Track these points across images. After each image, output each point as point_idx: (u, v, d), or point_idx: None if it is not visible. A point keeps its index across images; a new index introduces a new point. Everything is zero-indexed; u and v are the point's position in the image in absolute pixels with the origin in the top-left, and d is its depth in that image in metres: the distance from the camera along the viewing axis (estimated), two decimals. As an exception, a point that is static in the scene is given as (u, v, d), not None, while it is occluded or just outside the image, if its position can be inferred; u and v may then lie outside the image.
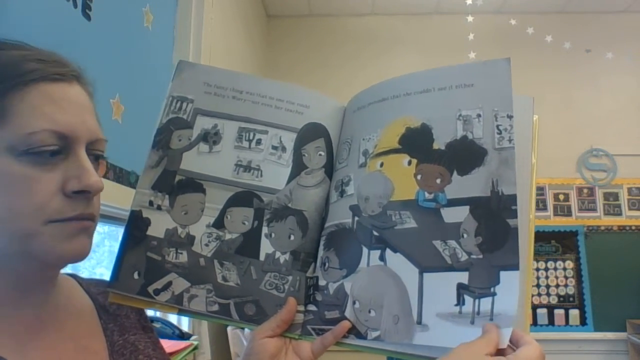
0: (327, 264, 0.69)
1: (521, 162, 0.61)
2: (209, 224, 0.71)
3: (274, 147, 0.74)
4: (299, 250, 0.71)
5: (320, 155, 0.74)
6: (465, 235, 0.61)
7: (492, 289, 0.58)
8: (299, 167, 0.73)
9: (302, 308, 0.69)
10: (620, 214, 3.70)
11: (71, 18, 1.31)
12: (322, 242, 0.71)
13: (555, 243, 3.68)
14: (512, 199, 0.59)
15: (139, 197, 0.72)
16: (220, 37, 2.61)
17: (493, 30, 3.82)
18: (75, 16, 1.33)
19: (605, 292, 3.57)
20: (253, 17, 3.55)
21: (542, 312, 3.59)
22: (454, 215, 0.62)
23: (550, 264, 3.66)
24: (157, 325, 1.73)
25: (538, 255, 3.65)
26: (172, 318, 1.88)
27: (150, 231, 0.70)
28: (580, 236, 3.67)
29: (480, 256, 0.60)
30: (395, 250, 0.64)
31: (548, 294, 3.62)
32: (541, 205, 3.70)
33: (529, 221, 0.62)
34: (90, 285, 0.69)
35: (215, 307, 0.69)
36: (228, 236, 0.71)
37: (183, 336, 1.79)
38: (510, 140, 0.62)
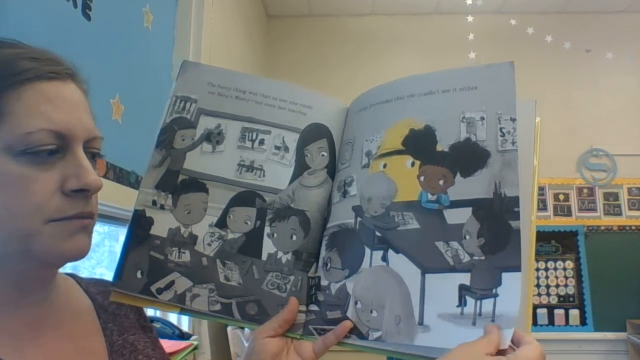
0: (329, 264, 0.69)
1: (523, 164, 0.62)
2: (211, 223, 0.71)
3: (277, 147, 0.74)
4: (301, 250, 0.71)
5: (322, 155, 0.74)
6: (467, 237, 0.61)
7: (494, 290, 0.58)
8: (301, 167, 0.73)
9: (303, 308, 0.69)
10: (620, 214, 3.70)
11: (71, 18, 1.31)
12: (324, 242, 0.71)
13: (555, 243, 3.68)
14: (515, 200, 0.60)
15: (142, 197, 0.72)
16: (220, 37, 2.61)
17: (493, 30, 3.83)
18: (75, 16, 1.33)
19: (605, 292, 3.57)
20: (253, 17, 3.55)
21: (542, 312, 3.59)
22: (456, 216, 0.62)
23: (550, 264, 3.66)
24: (157, 325, 1.73)
25: (538, 255, 3.65)
26: (172, 318, 1.88)
27: (154, 230, 0.71)
28: (580, 236, 3.67)
29: (483, 257, 0.60)
30: (397, 251, 0.64)
31: (548, 294, 3.62)
32: (541, 205, 3.71)
33: (530, 223, 0.62)
34: (89, 285, 0.69)
35: (218, 307, 0.69)
36: (230, 236, 0.71)
37: (183, 336, 1.79)
38: (513, 143, 0.62)
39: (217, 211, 0.72)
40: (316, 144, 0.74)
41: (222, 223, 0.72)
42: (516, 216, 0.59)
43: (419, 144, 0.67)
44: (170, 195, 0.72)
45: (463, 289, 0.60)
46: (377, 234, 0.66)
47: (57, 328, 0.59)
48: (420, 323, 0.61)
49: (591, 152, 3.79)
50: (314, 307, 0.69)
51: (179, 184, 0.72)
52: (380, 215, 0.67)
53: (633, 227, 3.67)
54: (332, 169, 0.74)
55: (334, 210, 0.72)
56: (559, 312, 3.59)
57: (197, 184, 0.73)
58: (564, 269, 3.65)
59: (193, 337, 1.84)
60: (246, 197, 0.72)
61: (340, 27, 4.02)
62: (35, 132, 0.51)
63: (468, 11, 3.29)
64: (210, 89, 0.76)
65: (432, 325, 0.60)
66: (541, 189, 3.70)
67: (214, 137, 0.74)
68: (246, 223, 0.72)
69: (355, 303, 0.65)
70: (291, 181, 0.73)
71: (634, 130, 3.76)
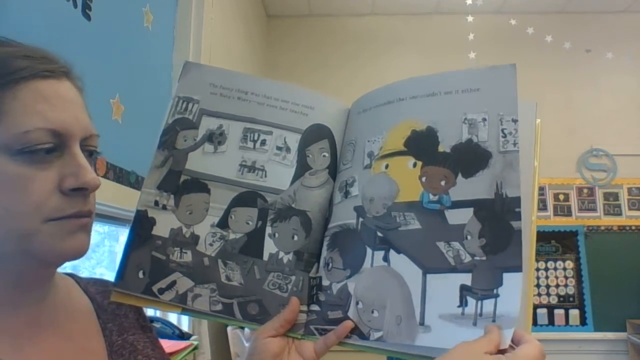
0: (330, 264, 0.69)
1: (524, 165, 0.62)
2: (213, 223, 0.71)
3: (279, 148, 0.74)
4: (302, 250, 0.71)
5: (324, 156, 0.74)
6: (468, 237, 0.61)
7: (494, 291, 0.58)
8: (303, 167, 0.73)
9: (305, 308, 0.69)
10: (620, 214, 3.70)
11: (71, 18, 1.31)
12: (325, 243, 0.71)
13: (555, 243, 3.68)
14: (516, 201, 0.60)
15: (144, 197, 0.72)
16: (220, 37, 2.61)
17: (493, 30, 3.83)
18: (75, 16, 1.34)
19: (605, 292, 3.57)
20: (253, 17, 3.55)
21: (542, 312, 3.60)
22: (458, 217, 0.62)
23: (550, 264, 3.66)
24: (157, 325, 1.74)
25: (538, 255, 3.65)
26: (172, 318, 1.88)
27: (155, 231, 0.71)
28: (580, 236, 3.67)
29: (484, 258, 0.60)
30: (399, 251, 0.65)
31: (548, 294, 3.63)
32: (541, 205, 3.71)
33: (530, 223, 0.62)
34: (88, 285, 0.69)
35: (219, 307, 0.69)
36: (232, 236, 0.71)
37: (183, 336, 1.79)
38: (514, 144, 0.62)
39: (218, 211, 0.72)
40: (318, 145, 0.74)
41: (223, 223, 0.72)
42: (517, 216, 0.59)
43: (421, 145, 0.67)
44: (172, 196, 0.72)
45: (464, 289, 0.60)
46: (379, 234, 0.66)
47: (57, 328, 0.59)
48: (421, 323, 0.61)
49: (591, 152, 3.79)
50: (315, 307, 0.69)
51: (181, 185, 0.73)
52: (382, 216, 0.67)
53: (633, 227, 3.68)
54: (333, 170, 0.74)
55: (335, 211, 0.72)
56: (559, 312, 3.60)
57: (199, 184, 0.73)
58: (564, 269, 3.65)
59: (193, 337, 1.84)
60: (248, 198, 0.73)
61: (340, 27, 4.02)
62: (32, 131, 0.51)
63: (468, 11, 3.29)
64: (212, 90, 0.76)
65: (433, 326, 0.60)
66: (541, 189, 3.71)
67: (215, 138, 0.75)
68: (248, 223, 0.72)
69: (357, 303, 0.66)
70: (293, 181, 0.73)
71: (634, 130, 3.76)
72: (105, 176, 1.47)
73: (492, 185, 0.62)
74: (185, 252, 0.70)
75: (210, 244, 0.71)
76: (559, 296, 3.62)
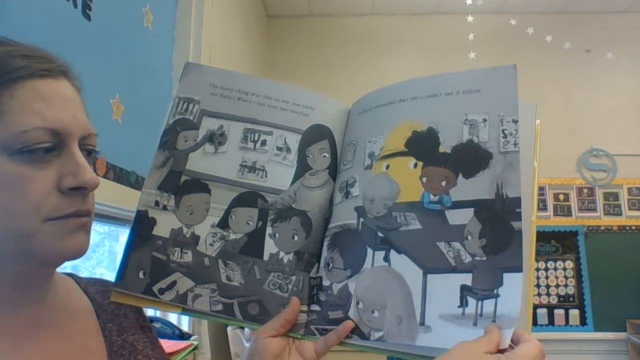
0: (331, 264, 0.69)
1: (524, 165, 0.62)
2: (213, 224, 0.72)
3: (279, 148, 0.74)
4: (303, 250, 0.71)
5: (324, 156, 0.74)
6: (469, 237, 0.61)
7: (495, 291, 0.58)
8: (303, 168, 0.74)
9: (305, 308, 0.69)
10: (620, 214, 3.70)
11: (71, 18, 1.31)
12: (326, 243, 0.71)
13: (555, 243, 3.68)
14: (517, 201, 0.60)
15: (145, 197, 0.72)
16: (220, 37, 2.61)
17: (493, 30, 3.83)
18: (75, 16, 1.34)
19: (605, 292, 3.58)
20: (253, 17, 3.55)
21: (542, 312, 3.60)
22: (458, 217, 0.63)
23: (550, 264, 3.66)
24: (157, 325, 1.74)
25: (538, 255, 3.65)
26: (172, 318, 1.89)
27: (156, 231, 0.71)
28: (580, 236, 3.67)
29: (484, 258, 0.60)
30: (399, 252, 0.65)
31: (548, 294, 3.63)
32: (541, 205, 3.71)
33: (530, 223, 0.63)
34: (88, 285, 0.69)
35: (219, 307, 0.69)
36: (232, 236, 0.71)
37: (183, 336, 1.79)
38: (515, 145, 0.62)
39: (219, 212, 0.72)
40: (318, 145, 0.75)
41: (224, 223, 0.72)
42: (518, 217, 0.59)
43: (422, 145, 0.67)
44: (172, 196, 0.72)
45: (464, 290, 0.60)
46: (380, 234, 0.67)
47: (56, 328, 0.59)
48: (422, 323, 0.61)
49: (591, 152, 3.79)
50: (315, 307, 0.69)
51: (181, 185, 0.73)
52: (383, 216, 0.67)
53: (633, 227, 3.68)
54: (333, 170, 0.74)
55: (335, 211, 0.72)
56: (559, 312, 3.60)
57: (199, 184, 0.73)
58: (564, 269, 3.65)
59: (193, 337, 1.84)
60: (248, 198, 0.73)
61: (340, 27, 4.02)
62: (30, 130, 0.51)
63: (468, 11, 3.29)
64: (212, 91, 0.77)
65: (433, 326, 0.60)
66: (541, 189, 3.71)
67: (216, 138, 0.75)
68: (248, 223, 0.72)
69: (357, 303, 0.66)
70: (293, 182, 0.73)
71: (634, 130, 3.76)
72: (105, 176, 1.47)
73: (492, 185, 0.62)
74: (186, 252, 0.70)
75: (211, 244, 0.71)
76: (559, 296, 3.62)
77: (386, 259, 0.65)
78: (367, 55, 3.93)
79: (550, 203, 3.73)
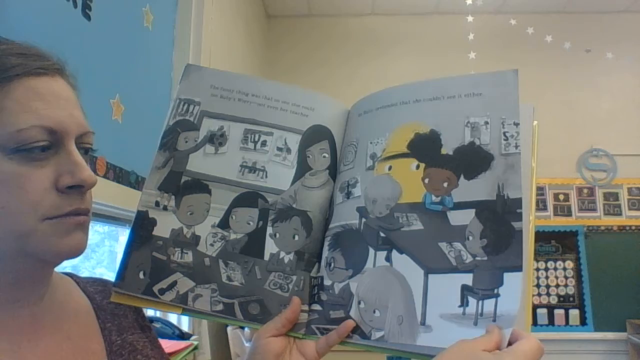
0: (332, 264, 0.69)
1: (522, 166, 0.63)
2: (214, 224, 0.72)
3: (279, 149, 0.74)
4: (303, 250, 0.71)
5: (324, 157, 0.75)
6: (470, 238, 0.62)
7: (495, 291, 0.59)
8: (303, 168, 0.74)
9: (306, 307, 0.69)
10: (620, 214, 3.71)
11: (71, 18, 1.32)
12: (327, 243, 0.71)
13: (555, 243, 3.69)
14: (518, 202, 0.61)
15: (145, 198, 0.72)
16: (220, 37, 2.61)
17: (493, 30, 3.83)
18: (75, 16, 1.34)
19: (605, 292, 3.58)
20: (253, 17, 3.55)
21: (542, 312, 3.60)
22: (460, 218, 0.63)
23: (550, 264, 3.67)
24: (157, 325, 1.74)
25: (538, 255, 3.66)
26: (172, 318, 1.89)
27: (156, 231, 0.71)
28: (580, 236, 3.68)
29: (485, 258, 0.60)
30: (401, 252, 0.65)
31: (548, 294, 3.63)
32: (541, 205, 3.71)
33: (529, 222, 0.63)
34: (87, 285, 0.69)
35: (220, 307, 0.69)
36: (233, 236, 0.71)
37: (183, 336, 1.79)
38: (516, 146, 0.63)
39: (219, 212, 0.72)
40: (318, 146, 0.75)
41: (224, 224, 0.72)
42: (519, 217, 0.60)
43: (424, 147, 0.68)
44: (173, 197, 0.72)
45: (465, 289, 0.60)
46: (382, 234, 0.67)
47: (55, 327, 0.59)
48: (423, 323, 0.61)
49: (591, 152, 3.79)
50: (316, 307, 0.69)
51: (181, 185, 0.73)
52: (385, 217, 0.67)
53: (633, 227, 3.68)
54: (333, 171, 0.75)
55: (336, 211, 0.72)
56: (559, 312, 3.60)
57: (199, 185, 0.73)
58: (564, 269, 3.65)
59: (193, 337, 1.84)
60: (248, 198, 0.73)
61: (340, 27, 4.03)
62: (27, 129, 0.51)
63: (468, 11, 3.29)
64: (213, 92, 0.77)
65: (434, 326, 0.60)
66: (541, 189, 3.71)
67: (216, 139, 0.75)
68: (248, 223, 0.72)
69: (359, 303, 0.66)
70: (293, 182, 0.73)
71: (634, 130, 3.77)
72: (105, 176, 1.47)
73: (493, 186, 0.62)
74: (186, 253, 0.70)
75: (211, 244, 0.71)
76: (559, 296, 3.62)
77: (388, 259, 0.65)
78: (367, 55, 3.93)
79: (550, 203, 3.74)
